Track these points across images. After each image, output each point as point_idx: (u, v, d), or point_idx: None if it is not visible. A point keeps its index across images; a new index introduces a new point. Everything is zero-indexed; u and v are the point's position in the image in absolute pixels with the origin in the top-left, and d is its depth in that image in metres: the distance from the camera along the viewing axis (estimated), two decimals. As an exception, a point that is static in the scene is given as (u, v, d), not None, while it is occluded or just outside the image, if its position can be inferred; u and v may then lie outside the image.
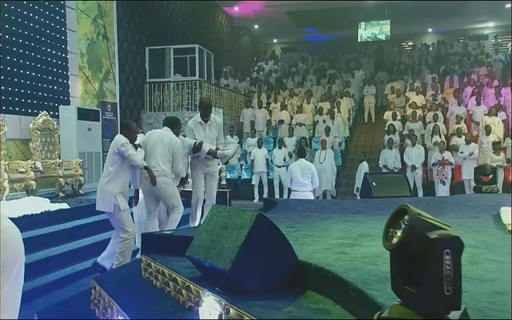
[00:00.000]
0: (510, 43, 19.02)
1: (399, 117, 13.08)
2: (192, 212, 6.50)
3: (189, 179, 6.66)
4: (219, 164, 7.54)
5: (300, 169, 8.56)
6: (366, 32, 18.15)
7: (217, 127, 6.36)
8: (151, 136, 5.96)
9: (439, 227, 1.77)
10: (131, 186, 6.00)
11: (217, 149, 6.26)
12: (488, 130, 10.94)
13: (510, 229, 4.13)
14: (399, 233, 1.83)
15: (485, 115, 11.61)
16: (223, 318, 2.96)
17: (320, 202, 7.16)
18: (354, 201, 8.41)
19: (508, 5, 17.35)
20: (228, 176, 11.58)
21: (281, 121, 13.95)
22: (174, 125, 6.12)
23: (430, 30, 21.90)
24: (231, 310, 2.88)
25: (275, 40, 23.95)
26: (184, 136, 6.55)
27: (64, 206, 7.48)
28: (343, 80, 16.45)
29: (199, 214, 6.52)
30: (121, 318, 3.34)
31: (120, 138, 5.52)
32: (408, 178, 10.97)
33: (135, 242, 5.90)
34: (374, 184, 6.92)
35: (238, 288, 3.05)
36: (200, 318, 3.16)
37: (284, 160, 11.88)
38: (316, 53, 20.97)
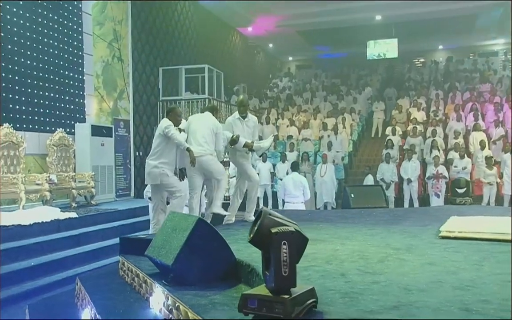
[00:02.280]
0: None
1: (400, 132, 13.50)
2: (252, 198, 6.67)
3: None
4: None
5: (293, 182, 9.17)
6: (374, 50, 18.66)
7: (253, 124, 6.79)
8: (194, 119, 6.42)
9: (283, 224, 2.37)
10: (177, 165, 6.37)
11: (253, 142, 6.62)
12: (482, 145, 11.25)
13: (442, 235, 4.63)
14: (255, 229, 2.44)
15: (473, 131, 11.94)
16: (164, 305, 3.61)
17: (298, 212, 7.68)
18: (331, 211, 8.92)
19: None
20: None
21: (289, 137, 14.53)
22: (215, 110, 6.63)
23: (441, 47, 22.18)
24: (170, 298, 3.52)
25: (290, 58, 24.62)
26: None
27: (73, 215, 8.26)
28: (351, 96, 16.96)
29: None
30: (89, 307, 4.01)
31: (165, 121, 6.03)
32: (405, 191, 11.45)
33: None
34: (352, 196, 7.44)
35: (181, 280, 3.67)
36: (151, 306, 3.83)
37: (287, 173, 12.43)
38: (329, 70, 21.57)
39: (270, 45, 21.83)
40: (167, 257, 3.79)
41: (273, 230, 2.32)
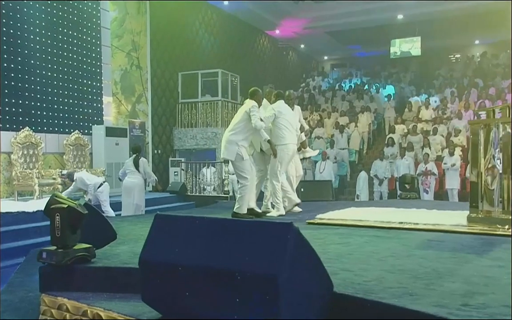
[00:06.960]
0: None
1: (405, 130, 13.73)
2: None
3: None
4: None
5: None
6: (397, 48, 18.74)
7: (299, 115, 7.32)
8: (284, 108, 6.56)
9: (60, 203, 3.34)
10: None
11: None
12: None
13: (310, 221, 5.29)
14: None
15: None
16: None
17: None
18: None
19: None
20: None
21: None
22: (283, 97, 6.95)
23: (477, 42, 21.53)
24: None
25: (325, 57, 24.99)
26: None
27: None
28: (370, 95, 17.24)
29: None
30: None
31: (251, 102, 6.22)
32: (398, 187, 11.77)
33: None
34: (302, 190, 8.12)
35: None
36: None
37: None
38: (362, 68, 21.80)
39: (302, 46, 22.40)
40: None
41: (51, 206, 3.32)
